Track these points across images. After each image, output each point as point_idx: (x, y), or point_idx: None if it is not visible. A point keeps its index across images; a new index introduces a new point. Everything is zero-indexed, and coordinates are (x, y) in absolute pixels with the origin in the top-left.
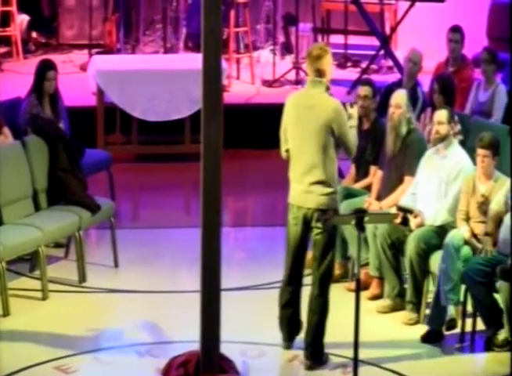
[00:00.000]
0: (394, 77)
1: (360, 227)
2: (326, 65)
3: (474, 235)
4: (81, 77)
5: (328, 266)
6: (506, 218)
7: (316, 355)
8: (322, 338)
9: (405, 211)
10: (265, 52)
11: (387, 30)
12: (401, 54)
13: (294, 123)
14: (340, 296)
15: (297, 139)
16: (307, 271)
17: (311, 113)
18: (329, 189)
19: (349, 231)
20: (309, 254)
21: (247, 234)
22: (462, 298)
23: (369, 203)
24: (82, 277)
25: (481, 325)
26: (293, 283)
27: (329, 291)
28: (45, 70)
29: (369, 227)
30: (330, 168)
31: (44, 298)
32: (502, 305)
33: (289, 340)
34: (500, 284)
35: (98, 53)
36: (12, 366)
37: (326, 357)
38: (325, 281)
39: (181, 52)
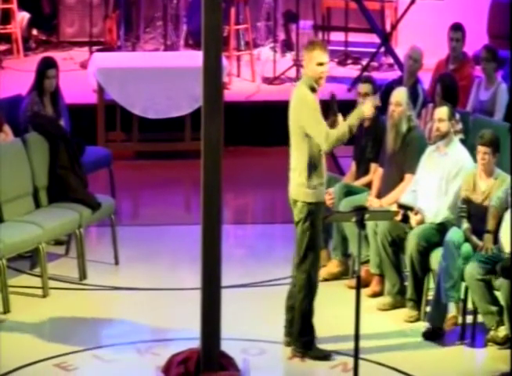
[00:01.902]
0: (395, 74)
1: (361, 224)
2: (307, 60)
3: (475, 232)
4: (82, 75)
5: (307, 248)
6: (507, 216)
7: (301, 336)
8: (304, 319)
9: (406, 208)
10: (266, 49)
11: (388, 28)
12: (401, 51)
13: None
14: (340, 293)
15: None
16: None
17: (291, 104)
18: (299, 180)
19: (349, 228)
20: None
21: (247, 231)
22: (462, 296)
23: (370, 201)
24: (83, 275)
25: (481, 322)
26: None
27: (310, 272)
28: (46, 67)
29: (370, 224)
30: (301, 160)
31: (44, 296)
32: (502, 302)
33: (289, 334)
34: (500, 282)
35: (98, 51)
36: (12, 363)
37: (323, 353)
38: (305, 260)
39: (181, 50)
